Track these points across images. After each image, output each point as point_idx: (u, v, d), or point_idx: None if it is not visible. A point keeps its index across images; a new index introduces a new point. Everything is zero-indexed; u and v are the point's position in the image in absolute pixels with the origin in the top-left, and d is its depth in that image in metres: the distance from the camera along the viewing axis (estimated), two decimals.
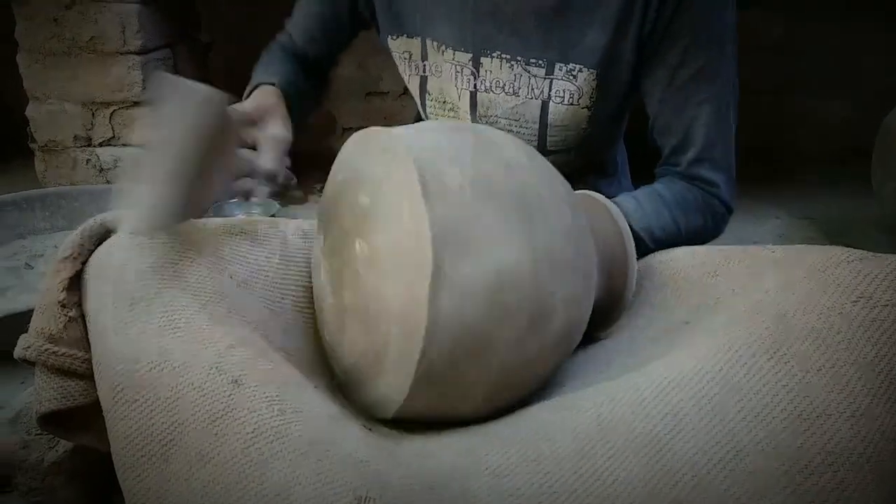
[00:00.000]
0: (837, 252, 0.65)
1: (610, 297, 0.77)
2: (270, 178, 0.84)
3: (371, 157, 0.64)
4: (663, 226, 0.90)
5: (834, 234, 1.90)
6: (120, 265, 0.64)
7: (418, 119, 1.24)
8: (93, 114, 1.86)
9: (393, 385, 0.61)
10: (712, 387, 0.56)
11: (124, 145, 1.88)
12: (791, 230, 1.97)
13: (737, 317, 0.64)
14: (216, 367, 0.57)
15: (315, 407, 0.59)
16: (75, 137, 1.87)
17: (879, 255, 0.63)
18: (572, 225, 0.66)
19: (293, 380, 0.61)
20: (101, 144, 1.88)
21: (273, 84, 1.00)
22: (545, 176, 0.67)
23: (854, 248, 0.65)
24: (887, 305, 0.57)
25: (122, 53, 1.80)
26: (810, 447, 0.49)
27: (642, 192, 0.93)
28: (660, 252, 0.85)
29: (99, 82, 1.82)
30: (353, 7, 1.08)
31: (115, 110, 1.85)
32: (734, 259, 0.74)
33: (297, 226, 0.81)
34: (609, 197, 0.86)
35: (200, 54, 2.15)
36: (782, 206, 2.14)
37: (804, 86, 2.41)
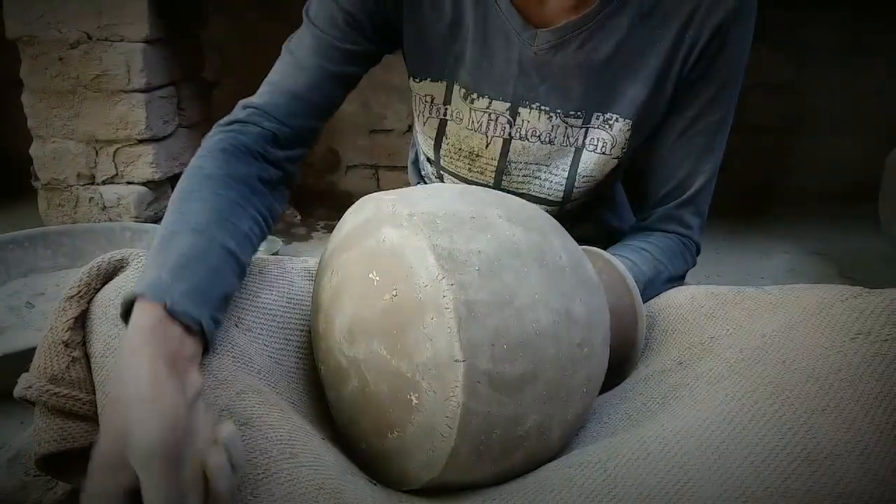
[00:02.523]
0: (833, 291, 0.65)
1: (620, 352, 0.77)
2: None
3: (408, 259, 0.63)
4: (652, 273, 0.92)
5: (844, 269, 1.91)
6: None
7: (415, 159, 1.24)
8: (96, 152, 1.87)
9: (418, 468, 0.62)
10: (717, 436, 0.56)
11: (128, 183, 1.89)
12: (801, 265, 1.99)
13: (737, 364, 0.64)
14: (227, 410, 0.57)
15: (324, 456, 0.58)
16: (78, 175, 1.88)
17: (876, 290, 0.63)
18: (595, 299, 0.67)
19: (303, 428, 0.61)
20: (104, 182, 1.89)
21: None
22: (565, 244, 0.68)
23: (863, 282, 0.65)
24: (888, 340, 0.57)
25: (126, 92, 1.82)
26: (819, 489, 0.49)
27: (624, 248, 0.95)
28: (660, 297, 0.85)
29: (103, 120, 1.84)
30: (365, 54, 0.97)
31: (118, 148, 1.86)
32: (731, 302, 0.75)
33: (303, 267, 0.81)
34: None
35: (205, 92, 2.17)
36: (791, 241, 2.16)
37: (812, 124, 2.44)
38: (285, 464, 0.54)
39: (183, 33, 1.99)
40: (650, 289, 0.90)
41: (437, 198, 0.65)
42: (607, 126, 0.94)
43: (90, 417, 0.62)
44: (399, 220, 0.62)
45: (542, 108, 0.95)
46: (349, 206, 0.74)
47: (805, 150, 2.49)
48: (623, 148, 0.95)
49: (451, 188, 0.69)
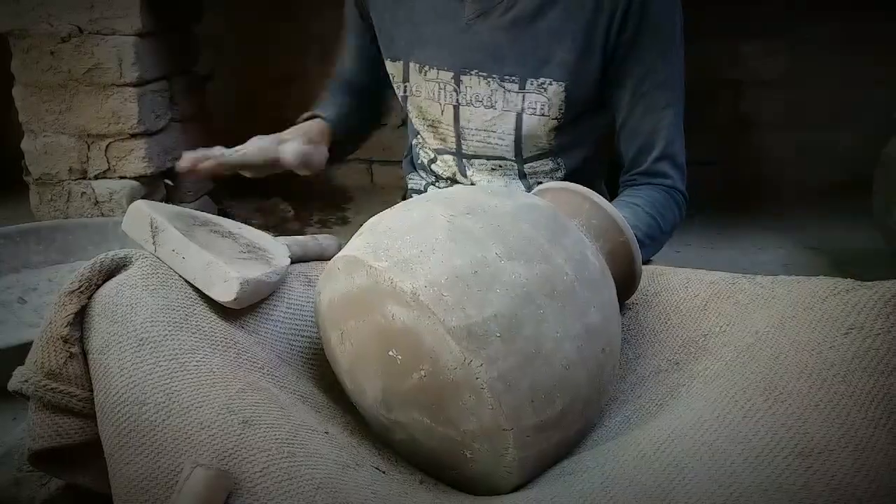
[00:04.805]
0: (826, 284, 0.65)
1: (622, 286, 0.77)
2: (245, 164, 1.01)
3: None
4: (646, 224, 0.98)
5: (839, 264, 1.92)
6: (129, 304, 0.63)
7: (408, 153, 1.32)
8: (88, 146, 1.86)
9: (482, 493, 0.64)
10: (710, 434, 0.56)
11: (120, 178, 1.88)
12: (796, 260, 2.00)
13: (731, 363, 0.64)
14: (227, 408, 0.57)
15: (325, 453, 0.58)
16: (70, 170, 1.87)
17: (868, 283, 0.63)
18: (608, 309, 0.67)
19: (304, 425, 0.60)
20: (96, 177, 1.88)
21: (320, 117, 1.16)
22: (566, 251, 0.66)
23: (858, 276, 0.65)
24: (880, 334, 0.57)
25: (118, 86, 1.81)
26: (814, 485, 0.49)
27: (616, 203, 1.01)
28: (655, 280, 0.85)
29: (95, 114, 1.83)
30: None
31: (110, 143, 1.85)
32: (724, 293, 0.75)
33: (301, 271, 0.81)
34: None
35: (198, 87, 2.16)
36: (787, 236, 2.16)
37: (806, 117, 2.44)
38: (284, 462, 0.54)
39: (175, 27, 1.98)
40: (649, 246, 0.97)
41: (429, 250, 0.61)
42: (542, 90, 1.04)
43: (85, 414, 0.62)
44: (403, 297, 0.59)
45: (481, 73, 1.06)
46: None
47: (799, 144, 2.49)
48: (560, 108, 1.04)
49: (435, 223, 0.64)
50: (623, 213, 0.92)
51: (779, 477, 0.50)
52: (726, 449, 0.54)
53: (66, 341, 0.63)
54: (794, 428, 0.53)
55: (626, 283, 0.78)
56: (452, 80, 1.07)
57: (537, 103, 1.04)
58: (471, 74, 1.06)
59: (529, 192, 0.86)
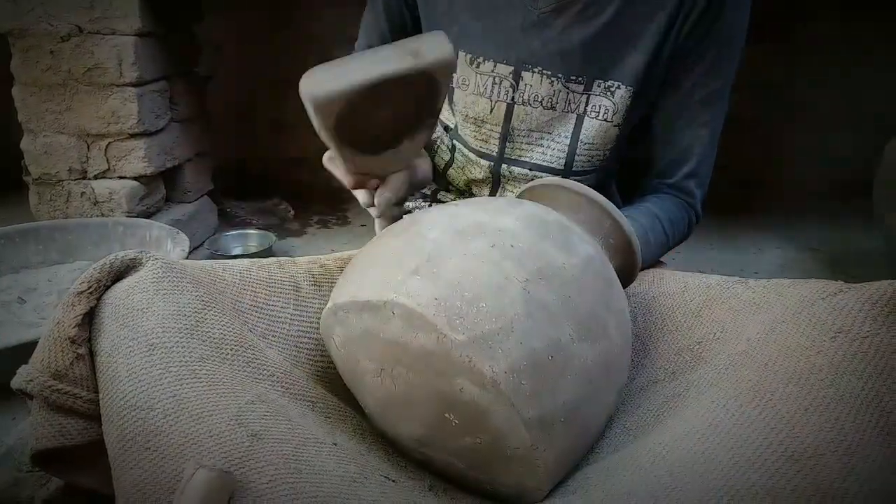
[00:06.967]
0: (815, 287, 0.66)
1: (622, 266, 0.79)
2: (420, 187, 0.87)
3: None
4: (657, 242, 0.97)
5: (836, 265, 1.92)
6: (140, 308, 0.63)
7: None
8: (88, 146, 1.86)
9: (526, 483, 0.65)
10: (703, 442, 0.57)
11: (120, 178, 1.88)
12: (794, 261, 2.00)
13: (725, 371, 0.65)
14: (236, 420, 0.57)
15: (330, 468, 0.59)
16: (70, 170, 1.88)
17: (855, 286, 0.63)
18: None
19: (311, 439, 0.61)
20: (96, 177, 1.88)
21: None
22: (617, 324, 0.67)
23: (856, 278, 0.66)
24: (867, 337, 0.58)
25: (118, 86, 1.81)
26: (805, 488, 0.49)
27: (638, 210, 0.99)
28: (653, 284, 0.86)
29: (94, 114, 1.83)
30: (412, 13, 1.09)
31: (110, 142, 1.86)
32: (718, 298, 0.76)
33: (307, 270, 0.81)
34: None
35: (198, 87, 2.16)
36: (784, 236, 2.17)
37: (805, 119, 2.44)
38: (290, 478, 0.55)
39: (176, 27, 1.98)
40: (649, 259, 0.95)
41: (508, 327, 0.58)
42: (609, 93, 0.97)
43: (90, 416, 0.62)
44: (480, 379, 0.57)
45: (545, 72, 0.99)
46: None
47: (798, 146, 2.49)
48: (623, 115, 0.98)
49: (510, 290, 0.60)
50: (642, 222, 0.94)
51: (769, 481, 0.50)
52: (718, 456, 0.54)
53: (73, 342, 0.62)
54: (783, 432, 0.53)
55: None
56: (511, 76, 1.00)
57: (601, 107, 0.98)
58: (533, 71, 0.99)
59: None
